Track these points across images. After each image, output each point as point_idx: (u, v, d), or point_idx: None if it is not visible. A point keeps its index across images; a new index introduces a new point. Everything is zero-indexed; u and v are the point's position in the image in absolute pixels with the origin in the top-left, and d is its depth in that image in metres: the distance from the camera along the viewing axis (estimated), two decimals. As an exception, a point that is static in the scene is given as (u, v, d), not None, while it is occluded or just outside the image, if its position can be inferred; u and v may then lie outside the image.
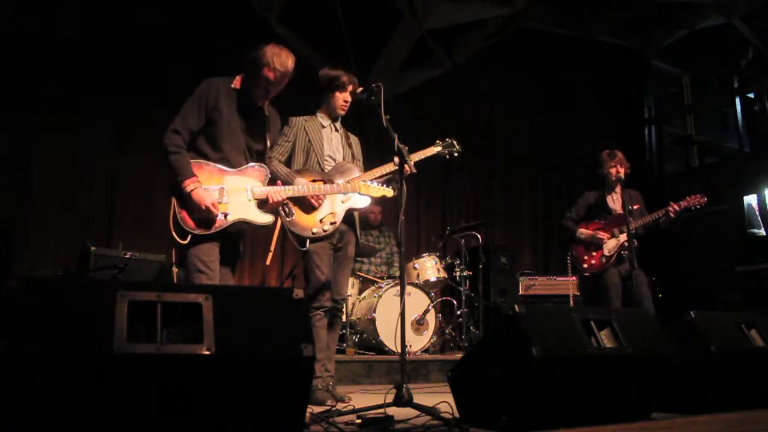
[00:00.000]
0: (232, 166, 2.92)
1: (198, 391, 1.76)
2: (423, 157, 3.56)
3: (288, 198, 3.05)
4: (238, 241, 3.03)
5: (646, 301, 4.30)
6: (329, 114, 3.52)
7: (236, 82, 3.00)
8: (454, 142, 3.77)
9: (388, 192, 3.30)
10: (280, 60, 2.87)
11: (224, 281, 2.95)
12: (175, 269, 4.91)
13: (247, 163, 2.99)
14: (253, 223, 2.91)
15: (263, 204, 2.93)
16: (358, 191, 3.22)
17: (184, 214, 2.78)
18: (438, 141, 3.75)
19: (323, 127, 3.51)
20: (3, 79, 5.32)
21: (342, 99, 3.45)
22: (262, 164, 3.01)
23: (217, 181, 2.86)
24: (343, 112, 3.51)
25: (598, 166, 4.72)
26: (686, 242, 8.24)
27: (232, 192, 2.86)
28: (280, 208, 3.07)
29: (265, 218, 2.93)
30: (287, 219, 3.24)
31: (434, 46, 7.11)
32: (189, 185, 2.77)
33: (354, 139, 3.66)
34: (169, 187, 2.84)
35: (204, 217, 2.78)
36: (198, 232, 2.78)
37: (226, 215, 2.83)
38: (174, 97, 2.96)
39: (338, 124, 3.57)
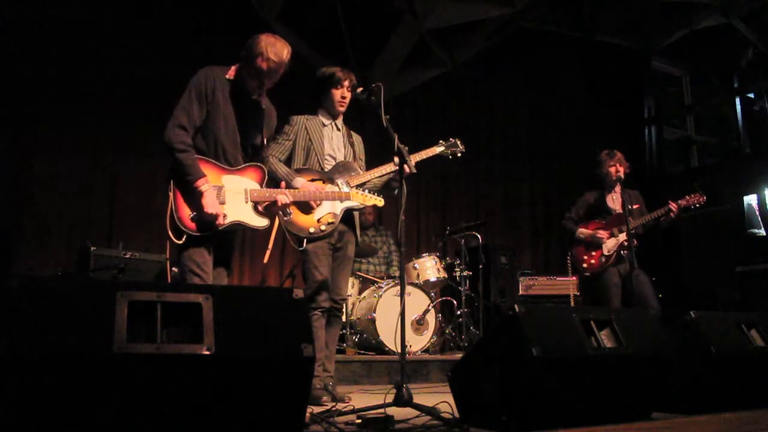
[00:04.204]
0: (228, 161, 2.88)
1: (198, 391, 1.76)
2: (425, 157, 3.49)
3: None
4: (231, 239, 3.00)
5: (651, 300, 4.29)
6: (329, 112, 3.48)
7: (231, 73, 2.93)
8: (458, 142, 3.64)
9: (379, 201, 3.28)
10: (275, 50, 2.77)
11: (219, 281, 2.92)
12: (175, 269, 4.91)
13: (243, 158, 2.94)
14: (249, 226, 2.88)
15: (259, 206, 2.90)
16: (350, 198, 3.19)
17: (182, 214, 2.74)
18: (441, 141, 3.63)
19: (324, 125, 3.46)
20: (2, 79, 5.32)
21: (339, 95, 3.41)
22: (260, 164, 2.97)
23: (216, 180, 2.82)
24: (342, 109, 3.46)
25: (598, 166, 4.72)
26: (686, 242, 8.23)
27: (229, 193, 2.84)
28: None
29: (261, 221, 2.90)
30: (285, 218, 3.21)
31: (434, 46, 7.10)
32: (202, 185, 2.73)
33: (357, 138, 3.61)
34: (167, 179, 2.78)
35: (204, 219, 2.74)
36: (195, 233, 2.75)
37: (223, 217, 2.79)
38: (174, 97, 2.94)
39: (340, 123, 3.52)
